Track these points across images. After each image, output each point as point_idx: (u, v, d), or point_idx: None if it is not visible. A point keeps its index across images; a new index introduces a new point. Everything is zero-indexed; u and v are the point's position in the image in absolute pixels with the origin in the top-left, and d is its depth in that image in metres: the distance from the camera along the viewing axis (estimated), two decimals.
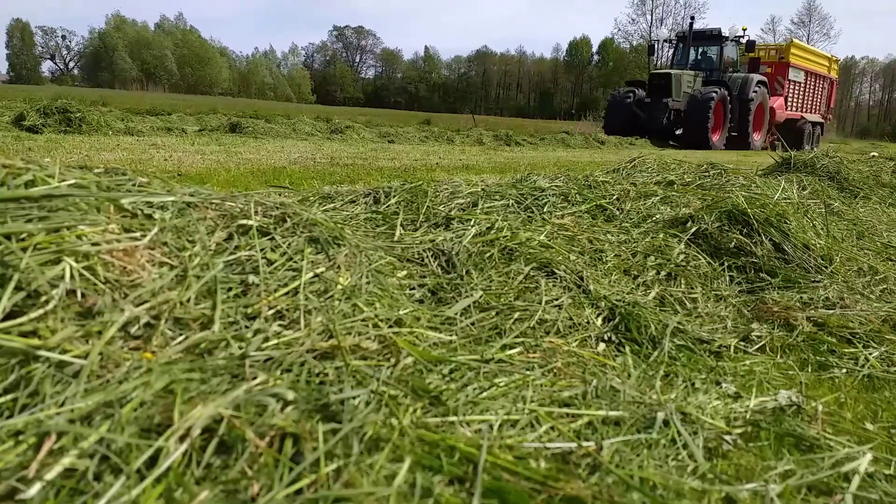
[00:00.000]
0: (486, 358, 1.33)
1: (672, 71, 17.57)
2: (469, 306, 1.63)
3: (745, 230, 2.39)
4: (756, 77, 18.27)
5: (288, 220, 1.50)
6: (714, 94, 16.34)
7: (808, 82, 22.24)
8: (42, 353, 0.93)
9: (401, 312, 1.43)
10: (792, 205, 2.87)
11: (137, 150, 5.43)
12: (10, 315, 0.96)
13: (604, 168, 5.51)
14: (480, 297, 1.68)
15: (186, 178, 3.94)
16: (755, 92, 17.88)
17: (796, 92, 21.52)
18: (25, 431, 0.85)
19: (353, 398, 1.03)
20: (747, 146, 17.58)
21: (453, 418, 1.06)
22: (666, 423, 1.17)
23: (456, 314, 1.58)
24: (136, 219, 1.23)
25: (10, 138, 5.71)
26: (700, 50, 19.06)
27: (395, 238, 2.04)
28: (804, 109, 22.02)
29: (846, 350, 1.72)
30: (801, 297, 2.03)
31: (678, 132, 17.33)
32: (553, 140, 12.61)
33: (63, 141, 5.72)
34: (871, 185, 4.70)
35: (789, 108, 20.88)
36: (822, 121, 23.77)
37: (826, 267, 2.31)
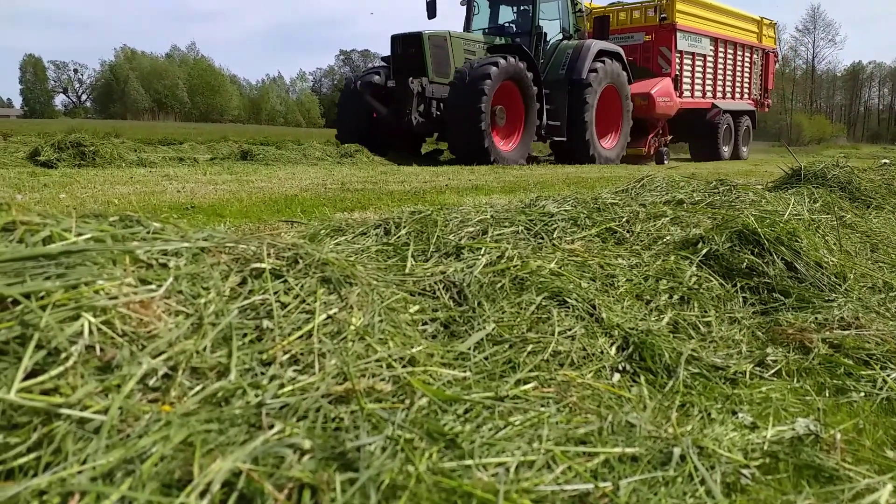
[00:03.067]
0: (500, 395, 1.33)
1: (426, 31, 10.20)
2: (482, 340, 1.64)
3: (756, 250, 2.38)
4: (598, 45, 11.81)
5: (300, 261, 1.52)
6: (493, 67, 9.62)
7: (723, 55, 16.35)
8: (63, 410, 0.95)
9: (414, 350, 1.44)
10: (803, 221, 2.86)
11: (150, 183, 5.50)
12: (31, 374, 0.98)
13: (613, 185, 5.53)
14: (493, 329, 1.69)
15: (200, 210, 3.99)
16: (594, 72, 11.49)
17: (699, 69, 15.57)
18: (49, 491, 0.86)
19: (369, 444, 1.04)
20: (586, 156, 11.52)
21: (469, 462, 1.07)
22: (683, 458, 1.17)
23: (469, 349, 1.58)
24: (151, 269, 1.25)
25: (26, 174, 5.80)
26: (515, 8, 12.22)
27: (407, 270, 2.06)
28: (717, 94, 16.27)
29: (863, 372, 1.71)
30: (816, 318, 2.02)
31: (438, 136, 11.40)
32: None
33: (77, 175, 5.81)
34: (884, 195, 4.67)
35: (689, 94, 15.24)
36: (753, 108, 17.88)
37: (840, 285, 2.30)
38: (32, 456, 0.91)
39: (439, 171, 8.17)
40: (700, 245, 2.43)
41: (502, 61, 10.00)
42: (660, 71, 14.64)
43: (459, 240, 2.32)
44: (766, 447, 1.28)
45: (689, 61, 15.43)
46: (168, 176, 6.15)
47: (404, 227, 2.42)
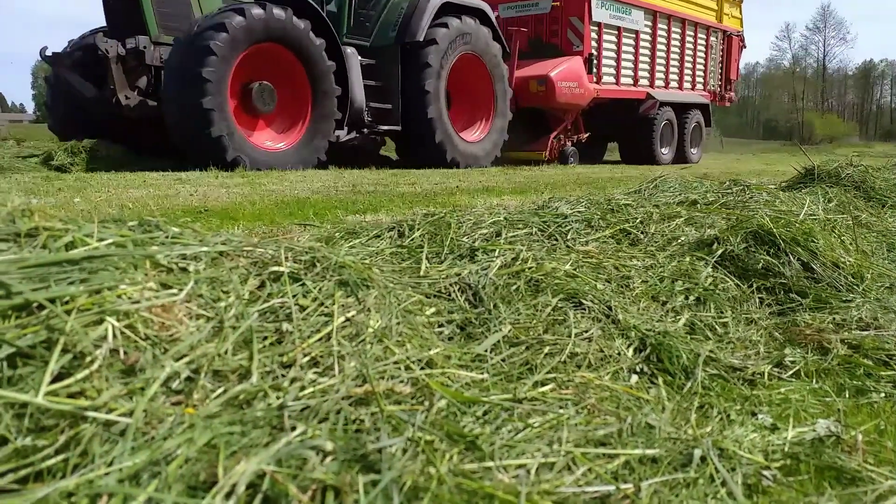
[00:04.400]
0: (518, 397, 1.33)
1: None
2: (498, 342, 1.64)
3: (772, 250, 2.37)
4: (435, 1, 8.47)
5: (318, 264, 1.52)
6: (236, 17, 6.52)
7: (664, 33, 13.20)
8: (90, 413, 0.96)
9: (431, 352, 1.45)
10: (819, 221, 2.84)
11: (163, 186, 5.53)
12: (57, 377, 0.99)
13: (625, 185, 5.52)
14: (509, 331, 1.69)
15: (213, 214, 4.01)
16: (438, 32, 8.46)
17: (628, 49, 12.44)
18: (77, 493, 0.87)
19: (391, 446, 1.05)
20: (437, 153, 8.63)
21: (490, 463, 1.07)
22: (703, 459, 1.17)
23: (486, 351, 1.59)
24: (171, 273, 1.26)
25: (41, 179, 5.86)
26: None
27: (422, 272, 2.06)
28: (655, 81, 13.17)
29: (883, 373, 1.70)
30: (834, 319, 2.01)
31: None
32: None
33: (91, 179, 5.86)
34: None
35: (612, 79, 12.17)
36: (707, 102, 14.69)
37: (857, 285, 2.29)
38: (60, 458, 0.92)
39: (450, 173, 8.18)
40: (715, 246, 2.42)
41: (256, 11, 6.62)
42: (570, 48, 11.39)
43: (473, 242, 2.33)
44: (786, 448, 1.27)
45: (611, 38, 12.09)
46: (180, 179, 6.19)
47: (418, 229, 2.43)
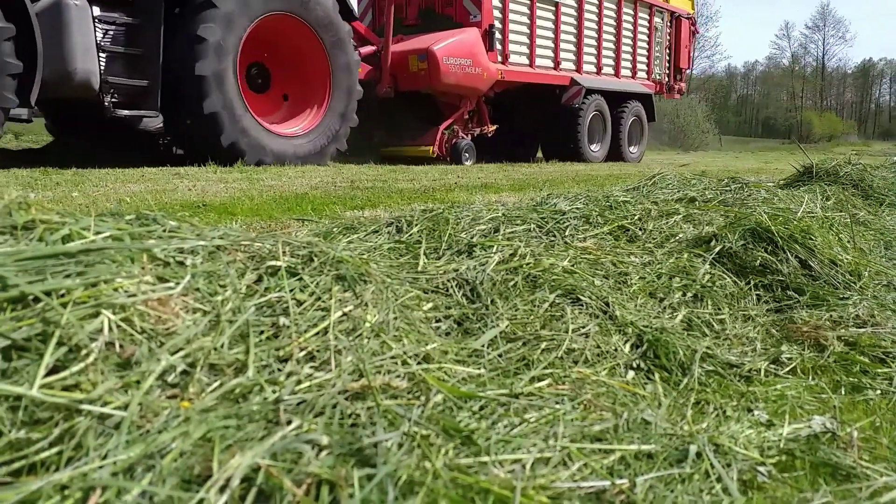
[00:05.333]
0: (515, 392, 1.33)
1: None
2: (495, 337, 1.64)
3: (769, 247, 2.37)
4: None
5: (315, 259, 1.52)
6: None
7: (594, 9, 11.54)
8: (84, 406, 0.96)
9: (428, 347, 1.45)
10: (817, 219, 2.84)
11: (162, 181, 5.52)
12: (52, 370, 0.99)
13: (623, 182, 5.52)
14: (507, 327, 1.69)
15: (211, 209, 4.00)
16: (214, 8, 6.31)
17: (545, 25, 10.64)
18: (71, 486, 0.87)
19: (386, 441, 1.05)
20: (220, 149, 6.54)
21: (486, 458, 1.07)
22: (699, 455, 1.17)
23: (483, 346, 1.59)
24: (168, 267, 1.26)
25: (38, 173, 5.84)
26: None
27: (419, 268, 2.06)
28: (582, 65, 11.37)
29: (879, 370, 1.70)
30: (831, 316, 2.01)
31: None
32: None
33: (89, 174, 5.84)
34: None
35: (525, 60, 10.32)
36: (650, 92, 12.92)
37: (855, 282, 2.29)
38: (54, 451, 0.92)
39: (448, 169, 8.18)
40: (713, 243, 2.42)
41: None
42: (466, 19, 9.49)
43: (471, 238, 2.32)
44: (782, 445, 1.28)
45: (522, 9, 10.19)
46: (179, 174, 6.18)
47: (416, 225, 2.43)
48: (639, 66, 12.90)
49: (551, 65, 10.99)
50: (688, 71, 14.56)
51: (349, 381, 1.22)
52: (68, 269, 1.10)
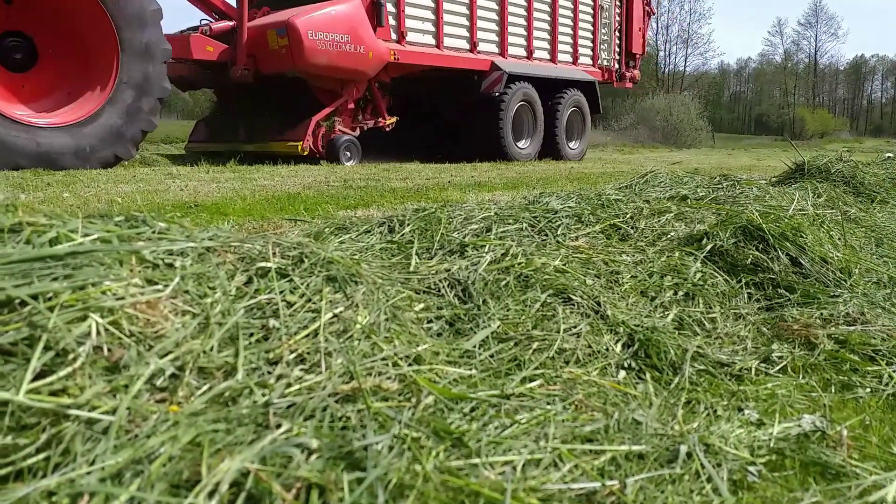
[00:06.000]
0: (506, 393, 1.33)
1: None
2: (487, 337, 1.64)
3: (760, 245, 2.38)
4: None
5: (305, 260, 1.52)
6: None
7: None
8: (72, 411, 0.95)
9: (419, 348, 1.44)
10: (808, 216, 2.85)
11: (154, 181, 5.50)
12: (39, 374, 0.98)
13: (616, 180, 5.53)
14: (498, 327, 1.69)
15: (203, 209, 3.99)
16: None
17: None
18: (58, 492, 0.87)
19: (377, 444, 1.04)
20: None
21: (476, 460, 1.07)
22: (689, 455, 1.17)
23: (474, 347, 1.59)
24: (157, 269, 1.25)
25: (30, 173, 5.80)
26: None
27: (411, 268, 2.06)
28: (506, 47, 9.89)
29: (869, 368, 1.71)
30: (821, 314, 2.02)
31: None
32: None
33: (80, 174, 5.81)
34: (888, 189, 4.67)
35: (431, 39, 8.89)
36: (593, 79, 11.47)
37: (845, 280, 2.30)
38: (41, 457, 0.91)
39: (442, 168, 8.17)
40: (704, 241, 2.43)
41: None
42: None
43: (464, 237, 2.32)
44: (772, 444, 1.28)
45: None
46: (171, 174, 6.15)
47: (408, 224, 2.43)
48: (581, 50, 11.41)
49: (466, 46, 9.44)
50: (642, 57, 13.13)
51: (339, 383, 1.21)
52: (55, 272, 1.09)
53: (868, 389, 1.60)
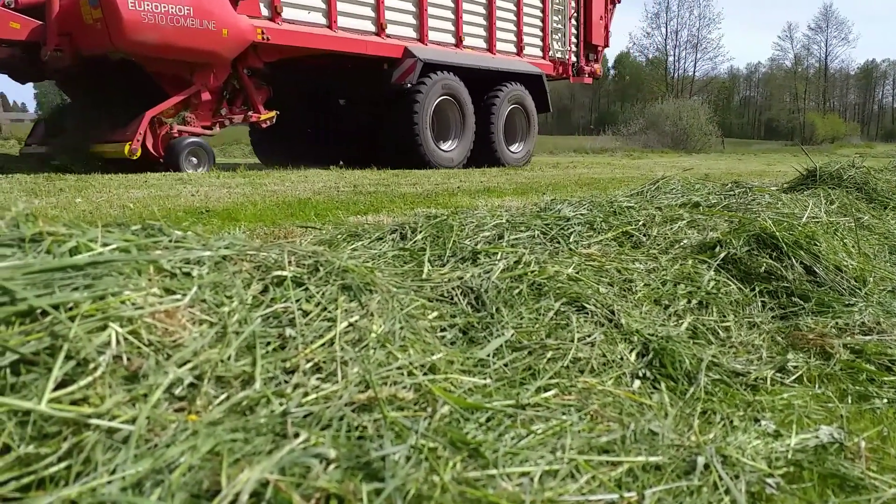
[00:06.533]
0: (521, 403, 1.33)
1: None
2: (501, 346, 1.64)
3: (774, 254, 2.37)
4: None
5: (321, 268, 1.52)
6: None
7: None
8: (93, 420, 0.96)
9: (434, 357, 1.45)
10: (821, 224, 2.84)
11: (165, 186, 5.54)
12: (61, 384, 0.99)
13: (626, 186, 5.51)
14: (512, 335, 1.69)
15: (215, 215, 4.01)
16: None
17: None
18: (80, 501, 0.87)
19: (394, 454, 1.05)
20: None
21: (493, 471, 1.07)
22: (706, 467, 1.17)
23: (488, 355, 1.59)
24: (175, 278, 1.26)
25: (42, 179, 5.86)
26: None
27: (424, 276, 2.06)
28: (427, 32, 8.60)
29: (886, 378, 1.70)
30: (836, 323, 2.01)
31: None
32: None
33: (92, 180, 5.85)
34: None
35: (320, 17, 7.45)
36: (540, 73, 10.11)
37: (860, 288, 2.28)
38: (63, 466, 0.92)
39: (450, 173, 8.17)
40: (717, 249, 2.42)
41: None
42: None
43: (476, 244, 2.32)
44: (790, 455, 1.27)
45: None
46: (182, 179, 6.19)
47: (420, 231, 2.43)
48: (527, 39, 10.05)
49: (371, 28, 7.98)
50: (604, 49, 11.67)
51: (356, 392, 1.21)
52: (76, 282, 1.10)
53: (885, 400, 1.59)
